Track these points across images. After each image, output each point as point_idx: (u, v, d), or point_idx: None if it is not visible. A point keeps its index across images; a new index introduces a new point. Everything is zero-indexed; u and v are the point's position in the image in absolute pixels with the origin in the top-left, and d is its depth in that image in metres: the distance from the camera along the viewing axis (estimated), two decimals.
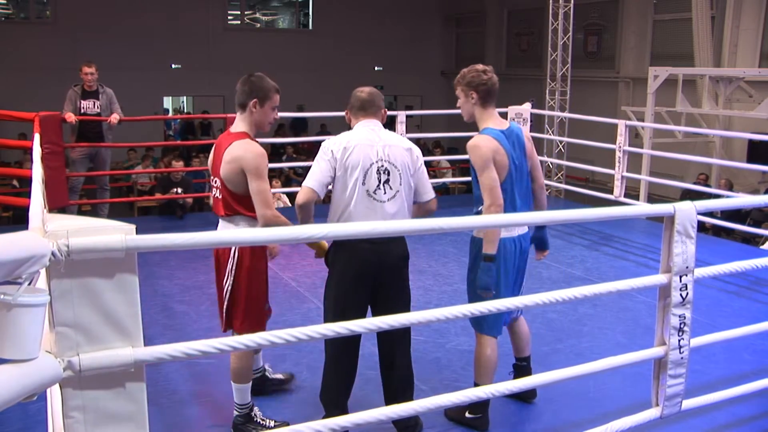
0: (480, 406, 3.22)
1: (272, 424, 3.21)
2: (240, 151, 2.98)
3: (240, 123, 3.11)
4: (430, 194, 3.19)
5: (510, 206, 3.21)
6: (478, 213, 3.18)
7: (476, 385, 3.19)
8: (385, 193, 3.02)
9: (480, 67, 3.24)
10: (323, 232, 2.06)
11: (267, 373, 3.53)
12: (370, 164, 3.00)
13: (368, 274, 3.04)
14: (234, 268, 3.09)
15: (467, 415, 3.25)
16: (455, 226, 2.38)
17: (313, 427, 2.15)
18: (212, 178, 3.17)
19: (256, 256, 3.11)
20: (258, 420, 3.21)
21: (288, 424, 3.19)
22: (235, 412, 3.20)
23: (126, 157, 13.09)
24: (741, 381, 3.41)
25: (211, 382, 3.62)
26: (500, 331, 3.29)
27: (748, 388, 3.24)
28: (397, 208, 3.05)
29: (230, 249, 3.07)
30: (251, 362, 3.21)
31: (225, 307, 3.15)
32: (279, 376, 3.59)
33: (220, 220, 3.16)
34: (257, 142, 3.09)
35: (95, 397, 1.74)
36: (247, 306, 3.13)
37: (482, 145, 3.11)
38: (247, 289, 3.11)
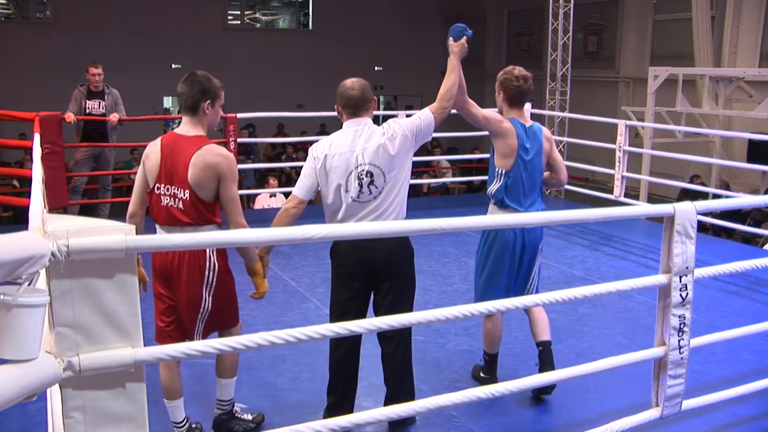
0: (489, 369, 3.73)
1: (250, 417, 3.26)
2: (217, 157, 2.87)
3: (193, 126, 2.94)
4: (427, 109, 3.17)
5: (515, 196, 3.44)
6: (491, 193, 3.50)
7: (484, 352, 3.73)
8: (370, 193, 3.04)
9: (517, 72, 3.48)
10: (323, 233, 2.07)
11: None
12: (349, 172, 3.02)
13: (359, 271, 3.09)
14: (214, 276, 2.95)
15: (481, 374, 3.76)
16: (455, 226, 2.38)
17: (313, 427, 2.15)
18: (162, 185, 2.91)
19: (225, 258, 3.03)
20: (239, 415, 3.23)
21: (263, 416, 3.29)
22: (218, 410, 3.18)
23: (130, 157, 13.07)
24: (741, 381, 3.42)
25: (211, 382, 3.61)
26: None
27: (748, 388, 3.24)
28: (384, 204, 3.05)
29: (205, 258, 2.92)
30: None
31: (205, 317, 3.00)
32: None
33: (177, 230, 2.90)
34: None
35: (95, 398, 1.74)
36: (233, 305, 3.12)
37: (501, 118, 3.50)
38: (231, 291, 3.07)
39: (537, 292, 3.58)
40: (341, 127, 3.14)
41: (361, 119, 3.10)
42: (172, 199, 2.89)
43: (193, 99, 2.92)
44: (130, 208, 3.03)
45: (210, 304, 2.97)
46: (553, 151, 3.65)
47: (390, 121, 3.14)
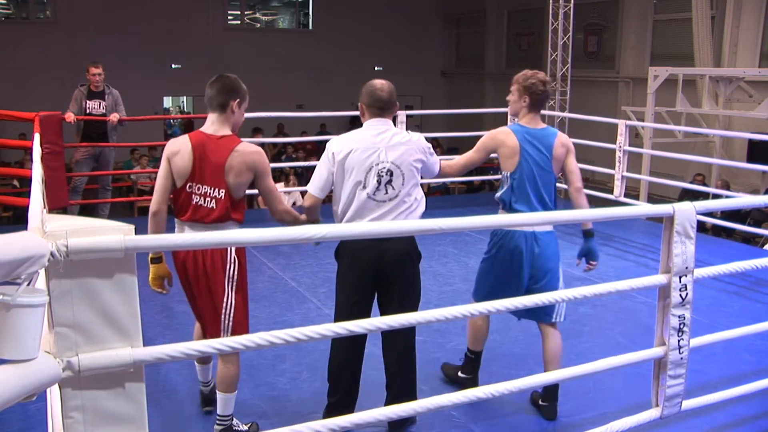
0: (471, 368, 3.61)
1: (245, 427, 3.21)
2: (253, 156, 2.94)
3: (221, 125, 2.98)
4: (435, 166, 3.29)
5: (524, 199, 3.35)
6: (499, 197, 3.43)
7: (468, 349, 3.63)
8: (386, 193, 3.04)
9: (541, 77, 3.45)
10: (323, 233, 2.06)
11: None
12: (369, 168, 3.03)
13: (368, 272, 3.07)
14: (236, 273, 2.98)
15: (459, 374, 3.64)
16: (455, 227, 2.38)
17: (312, 427, 2.15)
18: (194, 184, 2.93)
19: (244, 254, 3.06)
20: (235, 428, 3.16)
21: (257, 425, 3.22)
22: (218, 426, 3.09)
23: (129, 157, 13.07)
24: (741, 381, 3.41)
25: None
26: None
27: (748, 388, 3.24)
28: (398, 207, 3.06)
29: (226, 254, 2.95)
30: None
31: (230, 317, 2.99)
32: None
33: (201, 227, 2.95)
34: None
35: (94, 398, 1.74)
36: (245, 307, 3.08)
37: (490, 133, 3.50)
38: (244, 290, 3.06)
39: (561, 314, 3.39)
40: (346, 127, 3.16)
41: (385, 120, 3.14)
42: (203, 198, 2.94)
43: (222, 97, 2.98)
44: (154, 205, 3.01)
45: (234, 300, 2.99)
46: (569, 159, 3.46)
47: (411, 132, 3.22)
